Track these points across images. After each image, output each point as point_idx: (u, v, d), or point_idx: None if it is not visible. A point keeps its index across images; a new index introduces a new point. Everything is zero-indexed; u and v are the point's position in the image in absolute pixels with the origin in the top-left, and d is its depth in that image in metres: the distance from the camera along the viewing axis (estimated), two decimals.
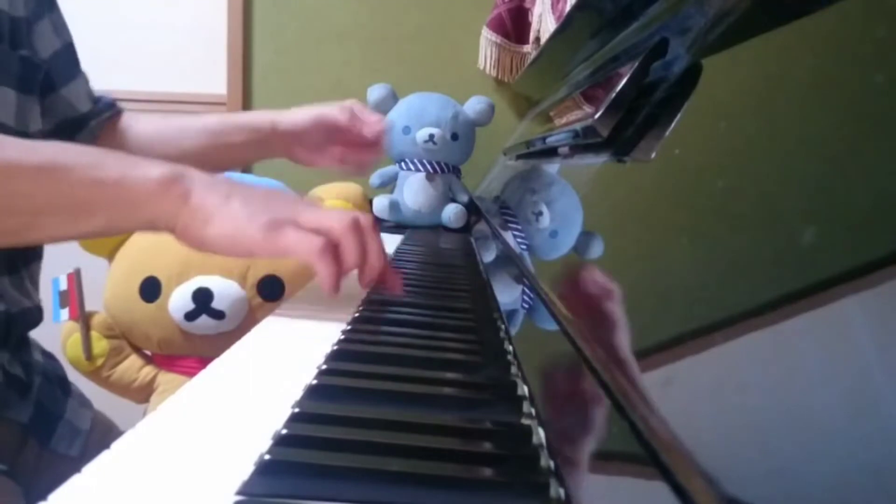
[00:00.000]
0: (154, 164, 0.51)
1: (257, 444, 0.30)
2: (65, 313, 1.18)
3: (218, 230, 0.50)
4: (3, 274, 0.66)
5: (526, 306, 0.52)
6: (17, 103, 0.65)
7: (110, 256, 1.25)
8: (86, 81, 0.78)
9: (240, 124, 0.83)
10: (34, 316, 0.70)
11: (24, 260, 0.71)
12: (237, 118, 0.85)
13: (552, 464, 0.29)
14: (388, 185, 1.27)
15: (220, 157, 0.82)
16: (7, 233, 0.51)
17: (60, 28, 0.74)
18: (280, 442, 0.30)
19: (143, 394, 1.24)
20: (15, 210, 0.50)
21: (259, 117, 0.83)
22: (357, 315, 0.53)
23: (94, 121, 0.78)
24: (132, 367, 1.23)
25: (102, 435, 0.76)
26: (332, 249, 0.50)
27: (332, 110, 0.83)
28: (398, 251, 0.89)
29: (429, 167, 1.22)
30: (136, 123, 0.83)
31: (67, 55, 0.75)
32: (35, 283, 0.73)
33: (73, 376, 0.84)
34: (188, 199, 0.50)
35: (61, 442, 0.70)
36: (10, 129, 0.64)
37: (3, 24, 0.64)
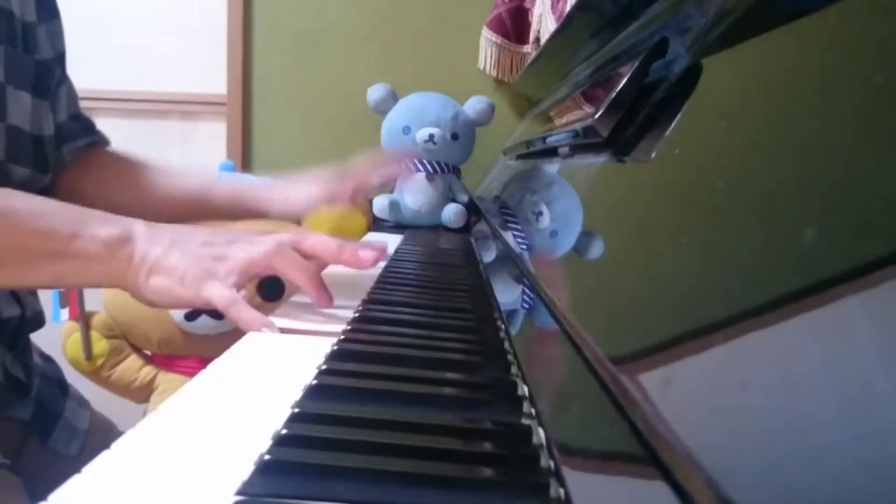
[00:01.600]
0: (103, 222, 0.53)
1: (257, 444, 0.30)
2: (65, 313, 1.18)
3: (154, 284, 0.53)
4: None
5: (526, 306, 0.52)
6: (33, 107, 0.66)
7: None
8: (69, 91, 0.77)
9: (228, 197, 0.79)
10: (40, 319, 0.70)
11: None
12: (225, 189, 0.80)
13: (552, 464, 0.29)
14: (389, 184, 1.27)
15: (199, 218, 0.79)
16: None
17: (55, 37, 0.73)
18: (280, 442, 0.30)
19: (143, 394, 1.24)
20: None
21: (250, 196, 0.79)
22: (357, 315, 0.53)
23: (67, 146, 0.75)
24: (132, 367, 1.23)
25: (101, 435, 0.76)
26: (243, 303, 0.53)
27: (331, 185, 0.78)
28: (398, 251, 0.89)
29: (429, 167, 1.22)
30: (117, 175, 0.79)
31: (58, 65, 0.74)
32: None
33: (72, 377, 0.84)
34: (132, 260, 0.53)
35: (60, 441, 0.70)
36: (26, 134, 0.65)
37: (16, 28, 0.65)
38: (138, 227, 0.54)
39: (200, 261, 0.53)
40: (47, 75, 0.69)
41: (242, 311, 0.52)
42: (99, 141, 0.81)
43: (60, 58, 0.74)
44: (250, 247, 0.55)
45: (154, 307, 0.55)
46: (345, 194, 0.78)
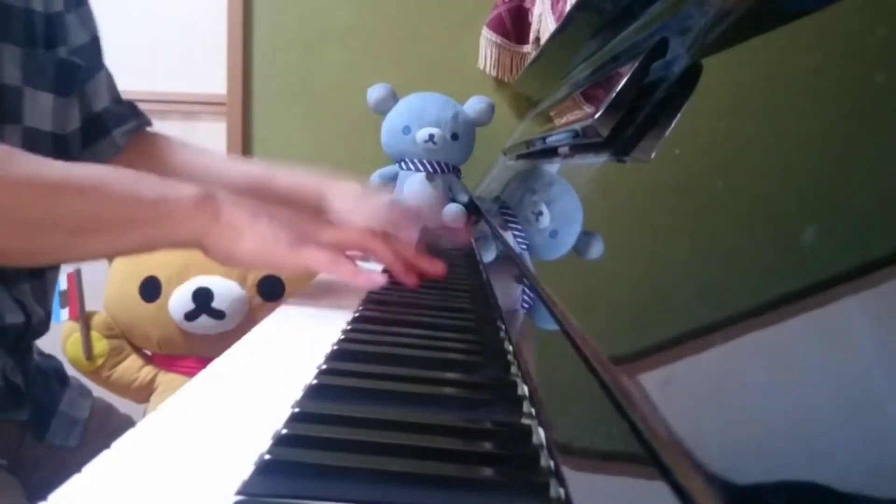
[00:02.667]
0: (186, 185, 0.56)
1: (257, 444, 0.30)
2: (65, 313, 1.18)
3: (247, 246, 0.55)
4: (24, 281, 0.67)
5: (526, 306, 0.52)
6: (54, 106, 0.66)
7: None
8: (108, 77, 0.78)
9: (290, 187, 0.80)
10: (45, 326, 0.70)
11: (36, 268, 0.71)
12: (287, 179, 0.81)
13: (552, 464, 0.29)
14: (389, 184, 1.27)
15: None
16: (51, 250, 0.54)
17: (88, 21, 0.74)
18: (280, 442, 0.30)
19: (143, 394, 1.24)
20: (60, 227, 0.52)
21: (310, 190, 0.79)
22: (357, 315, 0.53)
23: (118, 130, 0.76)
24: (132, 366, 1.23)
25: (102, 419, 0.76)
26: (347, 259, 0.56)
27: (393, 217, 0.77)
28: None
29: (429, 167, 1.22)
30: (173, 154, 0.80)
31: (92, 49, 0.74)
32: (53, 289, 0.73)
33: (73, 373, 0.83)
34: (219, 218, 0.55)
35: (57, 435, 0.70)
36: (45, 134, 0.66)
37: (37, 25, 0.65)
38: (220, 191, 0.57)
39: (289, 228, 0.56)
40: (70, 72, 0.69)
41: (347, 267, 0.55)
42: (145, 122, 0.82)
43: (95, 41, 0.75)
44: (340, 230, 0.60)
45: (238, 267, 0.58)
46: (408, 232, 0.78)
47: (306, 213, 0.71)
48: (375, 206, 0.77)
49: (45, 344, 0.79)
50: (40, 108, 0.65)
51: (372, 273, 0.57)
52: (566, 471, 0.28)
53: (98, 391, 0.87)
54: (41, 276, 0.70)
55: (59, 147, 0.67)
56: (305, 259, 0.55)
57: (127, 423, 0.78)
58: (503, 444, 0.32)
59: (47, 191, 0.51)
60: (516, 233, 0.64)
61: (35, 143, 0.64)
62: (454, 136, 1.23)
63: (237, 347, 0.46)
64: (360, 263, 0.60)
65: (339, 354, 0.43)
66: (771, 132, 0.28)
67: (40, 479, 0.64)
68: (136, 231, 0.54)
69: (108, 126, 0.76)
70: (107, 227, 0.53)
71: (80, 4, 0.73)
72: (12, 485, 0.61)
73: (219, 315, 1.17)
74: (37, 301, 0.68)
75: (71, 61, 0.69)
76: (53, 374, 0.74)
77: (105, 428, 0.74)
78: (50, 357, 0.77)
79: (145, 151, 0.79)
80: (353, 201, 0.77)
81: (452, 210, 1.21)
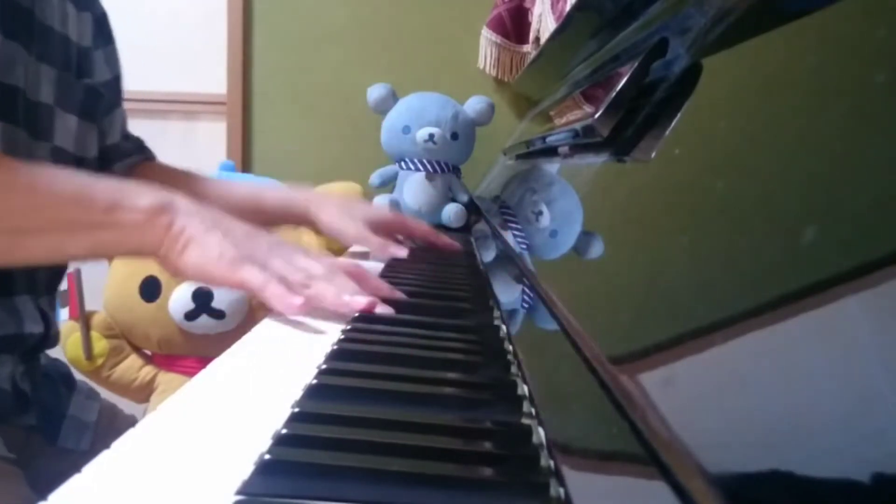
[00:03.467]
0: (144, 192, 0.54)
1: (257, 444, 0.30)
2: (64, 313, 1.18)
3: (191, 259, 0.53)
4: (42, 294, 0.67)
5: (526, 306, 0.52)
6: (78, 129, 0.68)
7: None
8: (123, 115, 0.80)
9: (278, 204, 0.82)
10: (59, 336, 0.71)
11: (59, 279, 0.72)
12: (276, 196, 0.83)
13: (552, 464, 0.29)
14: (388, 184, 1.27)
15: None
16: None
17: (113, 61, 0.77)
18: (280, 442, 0.30)
19: (142, 393, 1.24)
20: (2, 228, 0.51)
21: (298, 206, 0.82)
22: (357, 314, 0.53)
23: (119, 163, 0.79)
24: (132, 366, 1.23)
25: (109, 421, 0.77)
26: (280, 284, 0.52)
27: (379, 233, 0.81)
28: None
29: (429, 167, 1.22)
30: (167, 180, 0.82)
31: (114, 86, 0.77)
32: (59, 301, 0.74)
33: (80, 378, 0.84)
34: (170, 227, 0.53)
35: (69, 439, 0.71)
36: (69, 155, 0.67)
37: (70, 53, 0.68)
38: (181, 200, 0.55)
39: (239, 245, 0.54)
40: (96, 100, 0.71)
41: (276, 292, 0.51)
42: (149, 157, 0.85)
43: (117, 79, 0.78)
44: (298, 258, 0.56)
45: (181, 279, 0.55)
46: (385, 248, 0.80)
47: (288, 239, 0.71)
48: (361, 217, 0.80)
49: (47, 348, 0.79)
50: (68, 129, 0.66)
51: (304, 299, 0.51)
52: (566, 471, 0.28)
53: (101, 392, 0.87)
54: (53, 291, 0.71)
55: (81, 169, 0.68)
56: (241, 276, 0.52)
57: (132, 423, 0.78)
58: (503, 443, 0.32)
59: None
60: (516, 232, 0.64)
61: (60, 162, 0.65)
62: (454, 136, 1.23)
63: (237, 347, 0.46)
64: (363, 262, 0.60)
65: (338, 354, 0.43)
66: (771, 132, 0.28)
67: (50, 482, 0.64)
68: (82, 236, 0.52)
69: (112, 159, 0.78)
70: (49, 229, 0.52)
71: (107, 43, 0.76)
72: (17, 475, 0.61)
73: (219, 315, 1.17)
74: (51, 311, 0.69)
75: (97, 90, 0.71)
76: (60, 378, 0.75)
77: (112, 429, 0.74)
78: (56, 361, 0.78)
79: (141, 180, 0.80)
80: (338, 213, 0.80)
81: (452, 210, 1.21)
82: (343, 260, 0.61)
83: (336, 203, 0.83)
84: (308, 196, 0.84)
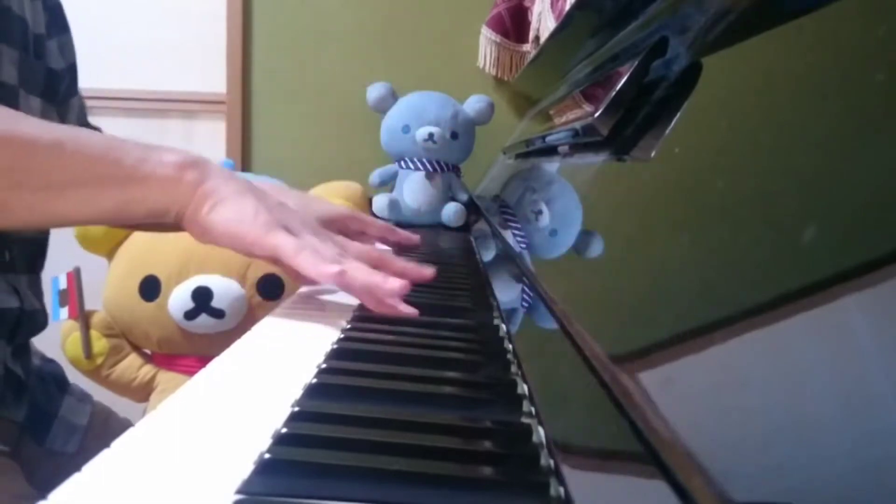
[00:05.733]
0: (172, 150, 0.53)
1: (257, 444, 0.30)
2: (64, 312, 1.18)
3: (223, 216, 0.51)
4: (22, 272, 0.67)
5: (526, 305, 0.52)
6: (42, 111, 0.67)
7: (109, 255, 1.25)
8: (81, 104, 0.79)
9: None
10: (41, 319, 0.70)
11: (42, 262, 0.72)
12: None
13: (552, 463, 0.29)
14: (388, 183, 1.27)
15: None
16: (23, 210, 0.51)
17: (67, 51, 0.75)
18: (280, 441, 0.30)
19: (142, 393, 1.24)
20: (31, 185, 0.49)
21: None
22: (357, 314, 0.53)
23: None
24: (132, 366, 1.23)
25: (101, 424, 0.76)
26: (314, 252, 0.50)
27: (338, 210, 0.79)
28: (398, 250, 0.89)
29: (428, 166, 1.22)
30: None
31: (70, 76, 0.76)
32: (48, 288, 0.74)
33: (73, 375, 0.84)
34: (201, 184, 0.51)
35: (57, 440, 0.70)
36: None
37: (28, 36, 0.67)
38: (210, 161, 0.54)
39: (273, 211, 0.52)
40: (57, 82, 0.70)
41: (310, 259, 0.50)
42: None
43: (72, 69, 0.76)
44: (329, 241, 0.55)
45: (206, 242, 0.53)
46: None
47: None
48: (316, 215, 0.77)
49: (46, 347, 0.79)
50: (32, 110, 0.65)
51: (342, 269, 0.50)
52: (566, 470, 0.28)
53: (98, 393, 0.87)
54: (35, 272, 0.71)
55: None
56: (274, 240, 0.50)
57: (126, 427, 0.78)
58: (503, 443, 0.32)
59: (17, 145, 0.48)
60: (516, 232, 0.64)
61: None
62: (454, 135, 1.23)
63: (237, 346, 0.46)
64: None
65: (339, 353, 0.43)
66: (771, 131, 0.28)
67: (39, 480, 0.65)
68: (109, 192, 0.51)
69: None
70: (79, 184, 0.50)
71: (61, 32, 0.74)
72: (14, 469, 0.61)
73: (218, 314, 1.17)
74: (32, 292, 0.68)
75: (57, 72, 0.70)
76: (53, 378, 0.75)
77: (104, 433, 0.74)
78: (51, 361, 0.77)
79: None
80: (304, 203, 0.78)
81: (452, 209, 1.21)
82: (368, 246, 0.60)
83: (292, 201, 0.81)
84: (283, 191, 0.82)
